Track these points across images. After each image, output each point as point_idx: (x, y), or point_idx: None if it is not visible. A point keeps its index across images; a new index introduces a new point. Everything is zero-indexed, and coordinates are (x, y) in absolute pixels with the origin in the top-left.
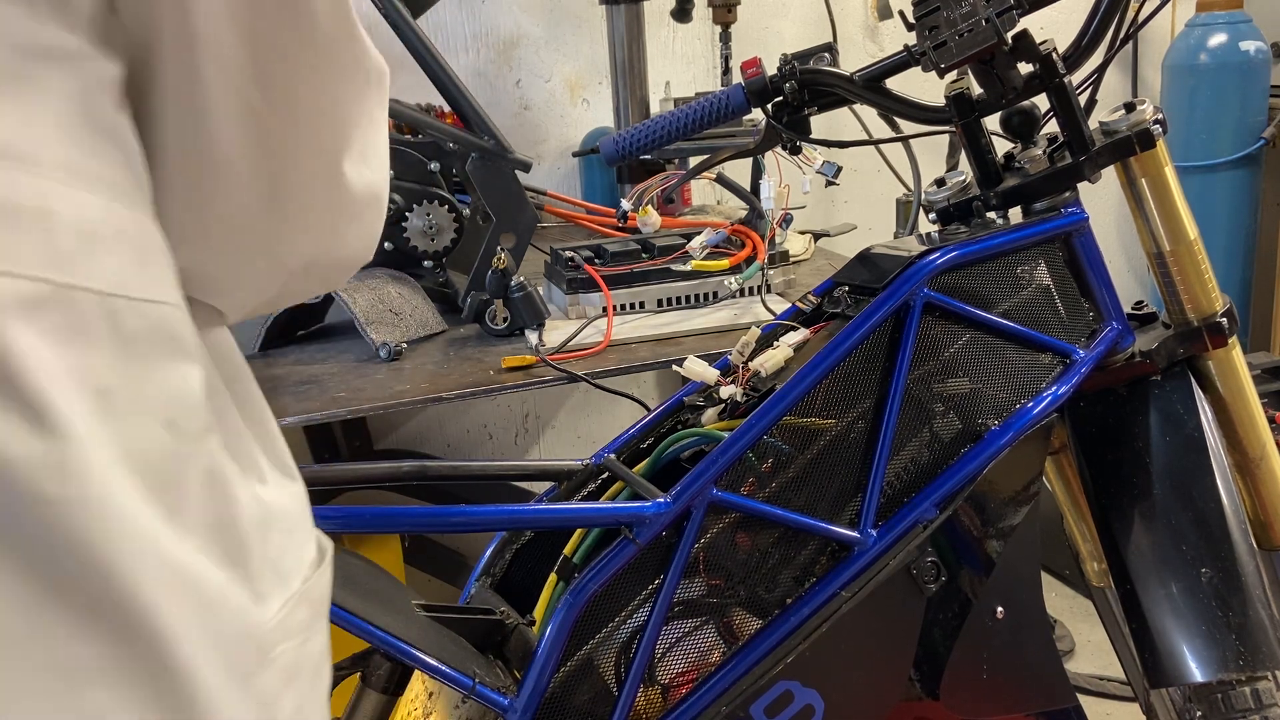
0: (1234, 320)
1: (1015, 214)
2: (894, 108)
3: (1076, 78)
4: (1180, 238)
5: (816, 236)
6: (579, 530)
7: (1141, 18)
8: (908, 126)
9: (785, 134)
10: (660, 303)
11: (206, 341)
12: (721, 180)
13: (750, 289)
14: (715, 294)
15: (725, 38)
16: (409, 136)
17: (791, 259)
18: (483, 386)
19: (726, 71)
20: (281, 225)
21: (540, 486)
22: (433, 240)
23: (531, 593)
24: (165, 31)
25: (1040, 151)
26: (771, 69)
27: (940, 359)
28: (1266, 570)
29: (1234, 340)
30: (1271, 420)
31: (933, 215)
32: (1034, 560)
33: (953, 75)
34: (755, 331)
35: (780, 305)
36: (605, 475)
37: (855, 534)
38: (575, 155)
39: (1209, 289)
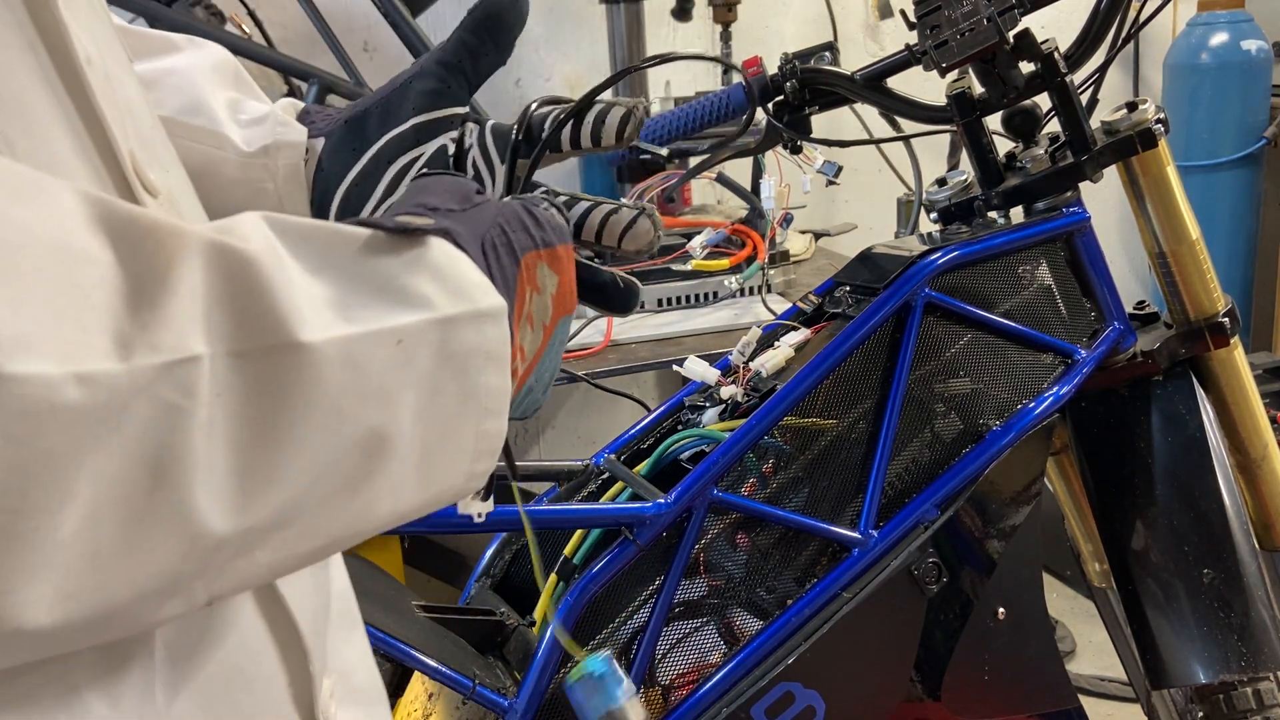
0: (1236, 320)
1: (1017, 214)
2: (895, 107)
3: (1078, 77)
4: (1182, 237)
5: (817, 236)
6: (579, 531)
7: (1143, 17)
8: (909, 126)
9: (786, 133)
10: (660, 303)
11: None
12: (722, 180)
13: (750, 289)
14: (715, 294)
15: (726, 37)
16: None
17: (792, 259)
18: None
19: (727, 70)
20: None
21: (540, 487)
22: None
23: (531, 594)
24: None
25: (1042, 151)
26: (772, 68)
27: (941, 359)
28: (1268, 571)
29: (1236, 340)
30: (1273, 420)
31: (934, 215)
32: (1035, 561)
33: (954, 74)
34: (756, 331)
35: (781, 305)
36: (605, 476)
37: (856, 534)
38: None
39: (1211, 289)
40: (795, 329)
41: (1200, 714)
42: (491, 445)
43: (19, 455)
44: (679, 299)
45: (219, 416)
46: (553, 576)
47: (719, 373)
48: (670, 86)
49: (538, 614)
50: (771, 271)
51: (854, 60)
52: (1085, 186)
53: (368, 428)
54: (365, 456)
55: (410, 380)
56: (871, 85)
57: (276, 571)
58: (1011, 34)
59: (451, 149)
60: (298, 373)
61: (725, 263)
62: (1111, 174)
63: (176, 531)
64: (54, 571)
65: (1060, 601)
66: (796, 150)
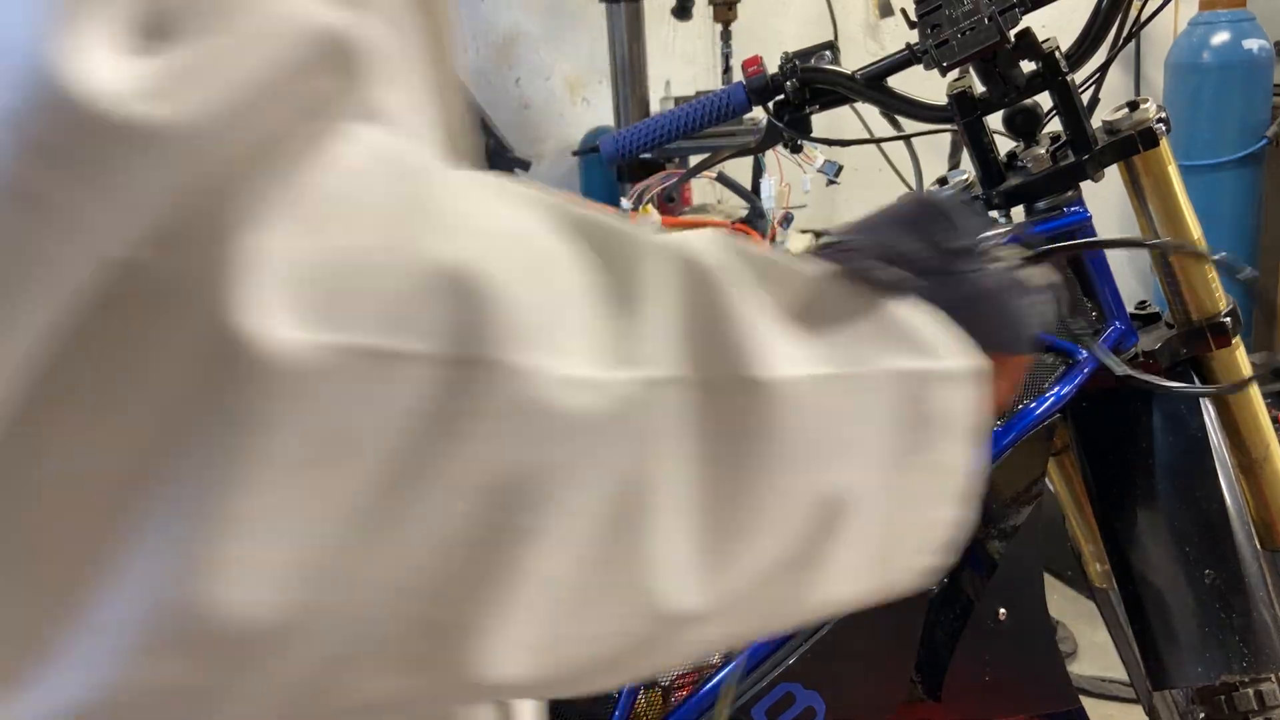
0: (1237, 320)
1: (1017, 213)
2: (896, 106)
3: (1079, 76)
4: (1183, 237)
5: (817, 236)
6: None
7: (1144, 16)
8: (909, 125)
9: (786, 132)
10: None
11: None
12: (722, 179)
13: None
14: None
15: (726, 36)
16: None
17: None
18: None
19: (727, 70)
20: None
21: None
22: None
23: None
24: None
25: (1043, 150)
26: (772, 67)
27: None
28: (1270, 571)
29: (1237, 340)
30: (1275, 420)
31: None
32: (1036, 561)
33: (955, 73)
34: None
35: None
36: None
37: None
38: (575, 154)
39: (1212, 289)
40: None
41: (1202, 715)
42: (946, 536)
43: (517, 460)
44: None
45: (690, 455)
46: None
47: None
48: (670, 86)
49: None
50: None
51: (854, 60)
52: (1086, 186)
53: (827, 489)
54: (821, 523)
55: (877, 438)
56: (872, 84)
57: (706, 652)
58: (1012, 33)
59: None
60: (759, 412)
61: None
62: (1112, 173)
63: (639, 591)
64: (532, 615)
65: (1061, 602)
66: (797, 149)
